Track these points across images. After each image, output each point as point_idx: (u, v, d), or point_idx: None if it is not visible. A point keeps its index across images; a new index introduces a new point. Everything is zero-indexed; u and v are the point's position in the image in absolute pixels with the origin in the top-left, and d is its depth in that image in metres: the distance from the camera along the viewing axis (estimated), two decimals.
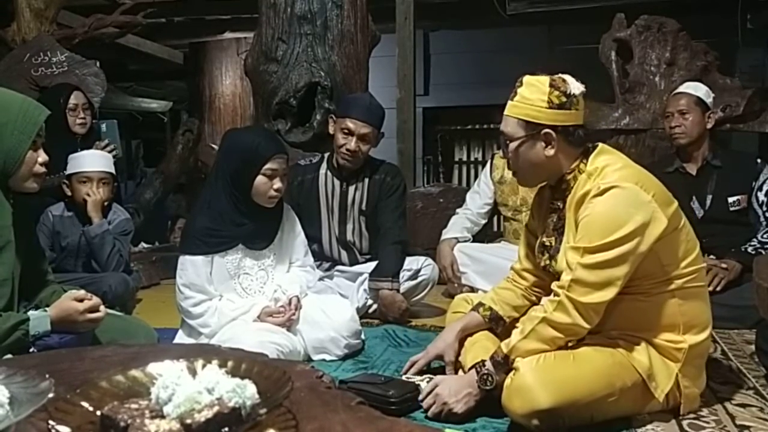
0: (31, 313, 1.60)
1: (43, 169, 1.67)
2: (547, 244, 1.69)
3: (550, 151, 1.58)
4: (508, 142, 1.63)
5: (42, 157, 1.66)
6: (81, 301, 1.64)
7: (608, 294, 1.47)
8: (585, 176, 1.58)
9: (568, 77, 1.59)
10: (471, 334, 1.80)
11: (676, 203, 1.57)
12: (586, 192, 1.53)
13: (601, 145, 1.64)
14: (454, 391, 1.57)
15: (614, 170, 1.54)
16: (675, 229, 1.54)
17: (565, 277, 1.51)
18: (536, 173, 1.65)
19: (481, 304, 1.80)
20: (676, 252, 1.54)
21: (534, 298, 1.83)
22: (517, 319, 1.78)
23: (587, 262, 1.47)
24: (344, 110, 2.67)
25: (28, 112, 1.62)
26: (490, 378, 1.54)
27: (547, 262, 1.68)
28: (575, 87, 1.57)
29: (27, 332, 1.56)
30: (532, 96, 1.57)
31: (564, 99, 1.56)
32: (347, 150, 2.61)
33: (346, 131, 2.61)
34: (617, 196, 1.48)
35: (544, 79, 1.58)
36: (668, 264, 1.53)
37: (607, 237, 1.46)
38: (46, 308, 1.63)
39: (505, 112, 1.63)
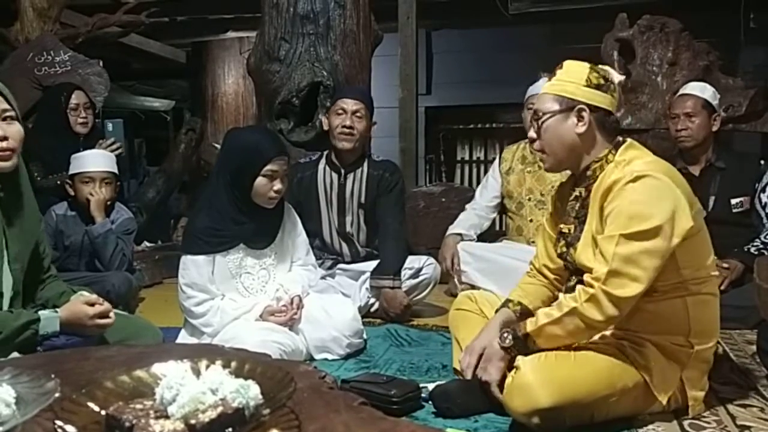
0: (41, 312, 1.59)
1: (3, 144, 1.55)
2: (565, 231, 1.69)
3: (581, 128, 1.59)
4: (540, 115, 1.63)
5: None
6: (92, 305, 1.64)
7: (642, 286, 1.46)
8: (613, 165, 1.58)
9: (608, 67, 1.65)
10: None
11: (698, 203, 1.57)
12: (615, 180, 1.52)
13: (630, 140, 1.65)
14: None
15: (644, 162, 1.55)
16: (697, 231, 1.54)
17: (601, 269, 1.48)
18: (563, 153, 1.63)
19: (509, 300, 1.77)
20: (694, 255, 1.54)
21: (556, 292, 1.81)
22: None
23: (624, 252, 1.45)
24: (336, 98, 2.85)
25: None
26: (510, 350, 1.55)
27: (564, 249, 1.68)
28: (615, 75, 1.63)
29: (37, 332, 1.55)
30: (571, 74, 1.61)
31: (602, 81, 1.59)
32: (344, 127, 2.68)
33: (339, 111, 2.72)
34: (651, 185, 1.48)
35: (586, 63, 1.63)
36: (685, 267, 1.53)
37: (642, 224, 1.45)
38: (56, 309, 1.63)
39: (542, 91, 1.67)
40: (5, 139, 1.56)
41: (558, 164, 1.68)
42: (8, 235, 1.61)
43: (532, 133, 1.67)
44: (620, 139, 1.64)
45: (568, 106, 1.59)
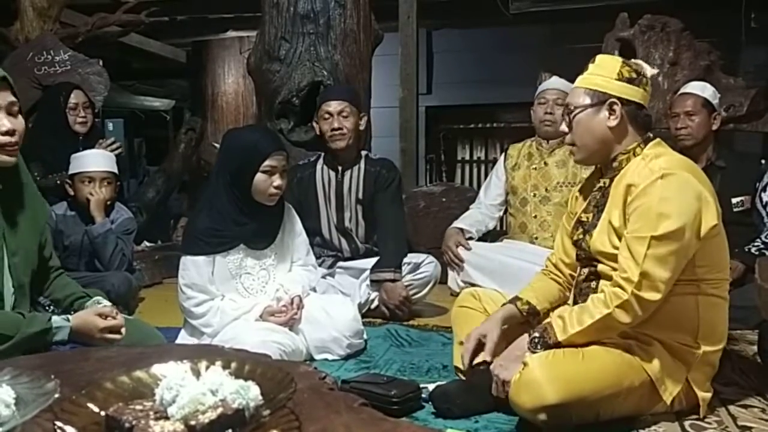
0: (54, 319, 1.59)
1: (6, 139, 1.52)
2: (584, 219, 1.69)
3: (613, 122, 1.60)
4: (572, 109, 1.64)
5: (3, 125, 1.52)
6: (106, 317, 1.64)
7: (668, 288, 1.47)
8: (639, 158, 1.59)
9: (641, 61, 1.66)
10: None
11: (718, 206, 1.57)
12: (641, 176, 1.52)
13: (658, 138, 1.66)
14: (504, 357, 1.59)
15: (671, 159, 1.56)
16: (718, 231, 1.54)
17: (633, 271, 1.47)
18: (595, 146, 1.64)
19: (518, 298, 1.77)
20: (711, 255, 1.54)
21: (569, 293, 1.82)
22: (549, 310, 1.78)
23: (656, 254, 1.45)
24: (319, 103, 2.85)
25: None
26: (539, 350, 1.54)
27: (581, 236, 1.68)
28: (647, 69, 1.63)
29: (48, 340, 1.55)
30: (602, 68, 1.63)
31: (634, 75, 1.60)
32: (333, 130, 2.73)
33: (326, 116, 2.75)
34: (678, 183, 1.48)
35: (618, 57, 1.65)
36: (700, 265, 1.53)
37: (672, 224, 1.44)
38: (68, 317, 1.62)
39: (574, 85, 1.68)
40: (14, 133, 1.54)
41: (589, 157, 1.70)
42: (8, 230, 1.60)
43: (564, 127, 1.69)
44: (650, 135, 1.65)
45: (600, 99, 1.61)
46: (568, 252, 1.77)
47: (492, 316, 1.74)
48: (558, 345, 1.53)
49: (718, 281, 1.57)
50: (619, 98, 1.59)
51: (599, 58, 1.67)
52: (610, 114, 1.60)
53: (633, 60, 1.65)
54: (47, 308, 1.76)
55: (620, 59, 1.64)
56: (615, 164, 1.64)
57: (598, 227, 1.61)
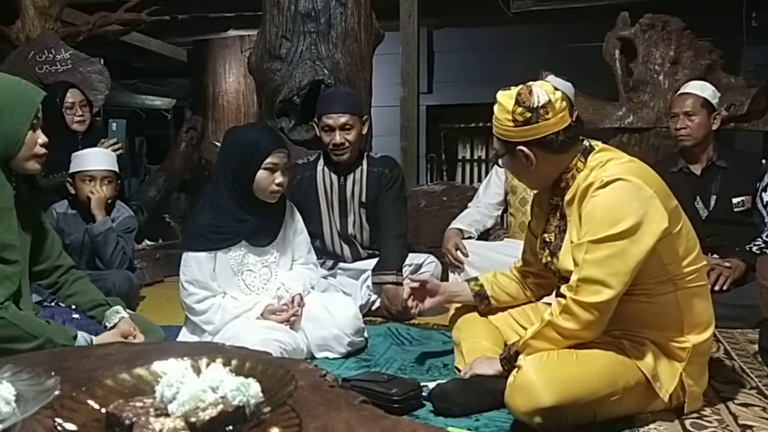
0: (79, 338, 1.67)
1: (43, 150, 1.68)
2: (548, 240, 1.69)
3: (532, 163, 1.59)
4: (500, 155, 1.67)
5: (42, 138, 1.67)
6: (127, 337, 1.74)
7: (615, 291, 1.45)
8: (587, 171, 1.57)
9: (535, 87, 1.54)
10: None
11: (675, 202, 1.56)
12: (588, 184, 1.53)
13: (601, 145, 1.64)
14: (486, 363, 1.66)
15: (617, 164, 1.54)
16: (676, 228, 1.53)
17: (573, 278, 1.50)
18: (535, 180, 1.67)
19: (475, 278, 1.82)
20: (678, 251, 1.54)
21: (529, 293, 1.86)
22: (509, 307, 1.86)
23: (593, 258, 1.46)
24: (319, 110, 2.72)
25: (24, 93, 1.64)
26: (507, 366, 1.59)
27: (549, 258, 1.68)
28: (541, 97, 1.52)
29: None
30: (500, 116, 1.59)
31: (528, 114, 1.52)
32: (334, 145, 2.65)
33: (326, 128, 2.66)
34: (621, 189, 1.47)
35: (511, 96, 1.55)
36: (670, 263, 1.53)
37: (610, 229, 1.45)
38: (93, 339, 1.71)
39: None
40: (45, 145, 1.67)
41: (536, 187, 1.74)
42: (22, 232, 1.68)
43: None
44: (587, 144, 1.62)
45: (509, 148, 1.60)
46: (532, 261, 1.81)
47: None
48: (517, 355, 1.55)
49: (692, 273, 1.55)
50: (524, 143, 1.56)
51: (498, 99, 1.58)
52: (524, 158, 1.58)
53: (526, 87, 1.54)
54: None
55: (513, 99, 1.53)
56: (562, 184, 1.62)
57: (562, 249, 1.62)
